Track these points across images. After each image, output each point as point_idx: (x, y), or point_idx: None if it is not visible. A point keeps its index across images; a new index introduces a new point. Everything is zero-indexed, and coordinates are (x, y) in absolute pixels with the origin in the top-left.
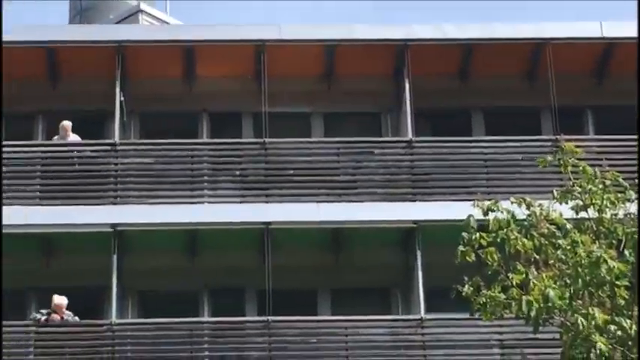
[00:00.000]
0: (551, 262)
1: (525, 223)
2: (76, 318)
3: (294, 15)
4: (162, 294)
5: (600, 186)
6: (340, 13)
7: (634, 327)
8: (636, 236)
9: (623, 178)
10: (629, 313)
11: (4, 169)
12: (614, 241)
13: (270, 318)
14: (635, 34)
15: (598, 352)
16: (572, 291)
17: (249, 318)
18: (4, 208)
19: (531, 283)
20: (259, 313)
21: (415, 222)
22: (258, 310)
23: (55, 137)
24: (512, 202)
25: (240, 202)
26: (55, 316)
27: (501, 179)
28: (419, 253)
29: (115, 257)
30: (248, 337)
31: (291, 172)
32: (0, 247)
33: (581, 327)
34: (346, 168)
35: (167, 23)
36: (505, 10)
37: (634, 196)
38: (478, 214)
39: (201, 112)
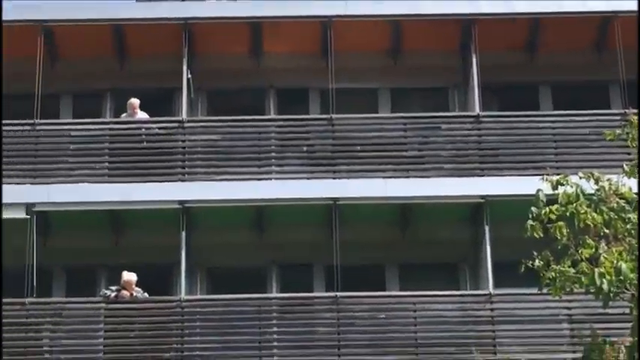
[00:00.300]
0: (620, 236)
1: (594, 197)
2: (146, 294)
3: None
4: (231, 270)
5: None
6: None
7: None
8: None
9: None
10: None
11: (72, 146)
12: None
13: (339, 294)
14: None
15: None
16: None
17: (318, 294)
18: (73, 185)
19: (601, 257)
20: (327, 289)
21: (483, 197)
22: (326, 286)
23: (123, 115)
24: (580, 177)
25: (308, 179)
26: (125, 293)
27: (570, 154)
28: (487, 228)
29: (183, 234)
30: (316, 312)
31: (359, 148)
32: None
33: None
34: (413, 143)
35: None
36: None
37: None
38: (547, 188)
39: (268, 89)
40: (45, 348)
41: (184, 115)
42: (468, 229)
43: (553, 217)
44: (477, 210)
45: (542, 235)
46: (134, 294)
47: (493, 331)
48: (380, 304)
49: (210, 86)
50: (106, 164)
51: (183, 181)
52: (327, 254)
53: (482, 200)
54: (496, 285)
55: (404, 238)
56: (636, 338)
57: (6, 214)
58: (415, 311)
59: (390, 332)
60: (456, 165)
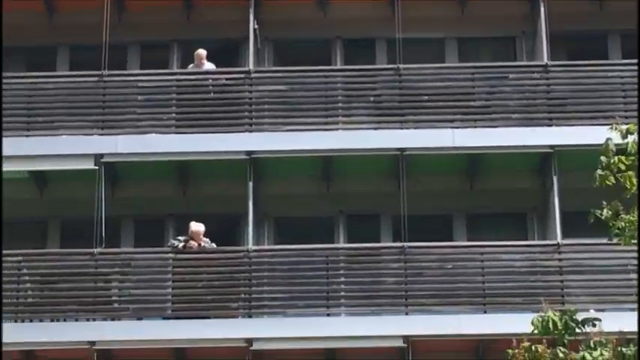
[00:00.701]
0: None
1: None
2: (213, 245)
3: None
4: (298, 220)
5: None
6: None
7: None
8: None
9: None
10: None
11: (139, 97)
12: None
13: (406, 244)
14: None
15: None
16: None
17: (385, 244)
18: (140, 136)
19: None
20: (394, 239)
21: (552, 147)
22: (394, 236)
23: (190, 66)
24: None
25: (375, 129)
26: (193, 243)
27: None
28: (555, 178)
29: (250, 184)
30: (383, 263)
31: (426, 98)
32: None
33: None
34: (481, 93)
35: None
36: None
37: None
38: (616, 137)
39: (334, 39)
40: (114, 298)
41: (251, 66)
42: (537, 179)
43: (622, 166)
44: (545, 160)
45: (611, 184)
46: (202, 244)
47: (561, 282)
48: (447, 254)
49: (276, 36)
50: (174, 115)
51: (250, 131)
52: (394, 204)
53: (550, 150)
54: (564, 235)
55: (472, 188)
56: None
57: (74, 165)
58: (483, 261)
59: (457, 282)
60: (524, 115)
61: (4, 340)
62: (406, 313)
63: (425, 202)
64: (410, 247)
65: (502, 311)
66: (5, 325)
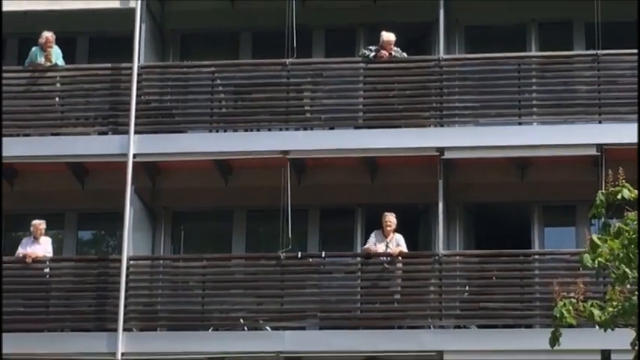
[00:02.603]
0: None
1: None
2: (404, 54)
3: None
4: (490, 28)
5: None
6: None
7: None
8: None
9: None
10: None
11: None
12: None
13: (599, 52)
14: None
15: None
16: None
17: (578, 52)
18: None
19: None
20: (587, 47)
21: None
22: (586, 44)
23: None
24: None
25: None
26: (384, 52)
27: None
28: None
29: None
30: (576, 71)
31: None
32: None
33: None
34: None
35: None
36: None
37: None
38: None
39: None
40: (306, 108)
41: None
42: None
43: None
44: None
45: None
46: (393, 54)
47: None
48: None
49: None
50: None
51: None
52: (587, 10)
53: None
54: None
55: None
56: None
57: None
58: None
59: None
60: None
61: None
62: (599, 122)
63: (620, 9)
64: (603, 54)
65: None
66: (199, 135)
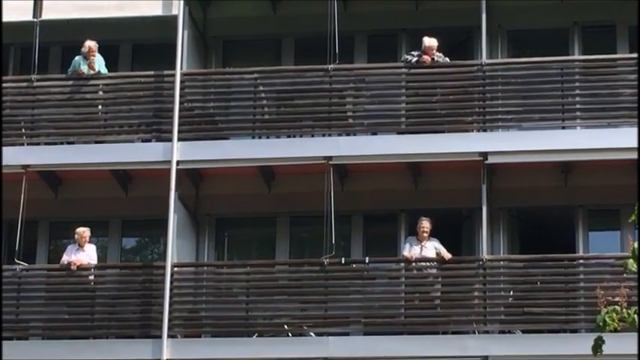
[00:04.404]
0: None
1: None
2: (447, 59)
3: None
4: (533, 32)
5: None
6: None
7: None
8: None
9: None
10: None
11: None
12: None
13: None
14: None
15: None
16: None
17: (621, 55)
18: None
19: None
20: (631, 50)
21: None
22: (630, 47)
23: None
24: None
25: None
26: (426, 58)
27: None
28: None
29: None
30: (620, 74)
31: None
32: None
33: None
34: None
35: None
36: None
37: None
38: None
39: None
40: (349, 113)
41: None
42: None
43: None
44: None
45: None
46: (435, 59)
47: None
48: None
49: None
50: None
51: None
52: (631, 13)
53: None
54: None
55: None
56: None
57: None
58: None
59: None
60: None
61: None
62: None
63: None
64: None
65: None
66: (242, 141)
